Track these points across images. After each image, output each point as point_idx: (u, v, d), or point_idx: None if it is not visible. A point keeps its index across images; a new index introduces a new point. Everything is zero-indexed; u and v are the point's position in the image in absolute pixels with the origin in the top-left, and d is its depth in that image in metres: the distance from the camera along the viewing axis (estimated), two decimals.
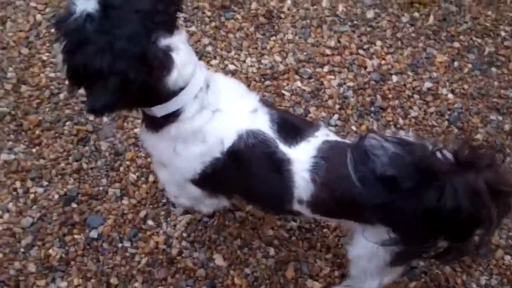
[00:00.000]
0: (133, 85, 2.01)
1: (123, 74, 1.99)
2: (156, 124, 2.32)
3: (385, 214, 2.13)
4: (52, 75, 3.37)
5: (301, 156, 2.27)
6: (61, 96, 3.33)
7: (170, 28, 2.13)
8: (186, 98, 2.20)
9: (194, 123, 2.25)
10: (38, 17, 3.54)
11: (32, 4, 3.58)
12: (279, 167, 2.28)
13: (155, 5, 2.09)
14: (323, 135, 2.36)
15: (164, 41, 2.09)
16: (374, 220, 2.23)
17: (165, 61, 2.10)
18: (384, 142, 2.07)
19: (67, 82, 2.24)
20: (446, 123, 3.42)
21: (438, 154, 2.04)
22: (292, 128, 2.35)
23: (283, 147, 2.28)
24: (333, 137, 2.41)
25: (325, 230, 3.09)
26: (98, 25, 2.00)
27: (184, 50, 2.16)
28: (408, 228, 2.13)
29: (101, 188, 3.13)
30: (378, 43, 3.61)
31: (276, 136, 2.29)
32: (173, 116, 2.23)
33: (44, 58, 3.42)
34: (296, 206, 2.36)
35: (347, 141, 2.38)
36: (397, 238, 2.17)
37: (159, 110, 2.22)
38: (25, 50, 3.44)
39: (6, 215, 3.05)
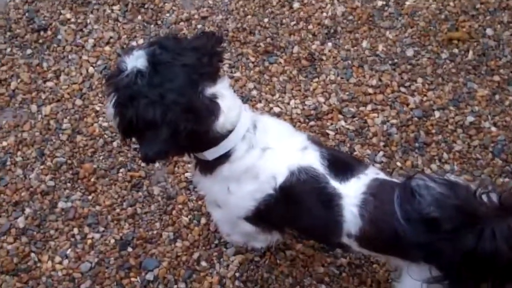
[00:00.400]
0: (183, 133, 2.13)
1: (173, 124, 2.11)
2: (209, 167, 2.42)
3: (427, 253, 2.16)
4: (105, 124, 3.45)
5: (351, 192, 2.33)
6: (115, 144, 3.41)
7: (214, 77, 2.27)
8: (235, 139, 2.31)
9: (245, 161, 2.35)
10: (91, 69, 3.65)
11: (84, 57, 3.69)
12: (330, 202, 2.34)
13: (200, 59, 2.24)
14: (373, 173, 2.42)
15: (209, 90, 2.22)
16: (417, 258, 2.25)
17: (211, 108, 2.22)
18: (430, 182, 2.09)
19: (116, 134, 2.33)
20: (490, 155, 3.40)
21: (484, 197, 2.06)
22: (342, 165, 2.42)
23: (333, 183, 2.34)
24: (382, 175, 2.46)
25: (374, 265, 3.09)
26: (149, 80, 2.13)
27: (228, 95, 2.28)
28: (450, 268, 2.15)
29: (155, 232, 3.19)
30: (419, 80, 3.62)
31: (327, 172, 2.37)
32: (224, 158, 2.34)
33: (97, 108, 3.51)
34: (345, 240, 2.41)
35: (396, 180, 2.42)
36: (440, 276, 2.19)
37: (210, 154, 2.33)
38: (79, 102, 3.54)
39: (65, 261, 3.12)
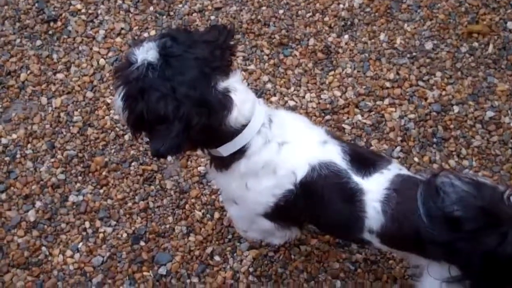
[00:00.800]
0: (195, 128, 2.23)
1: (186, 118, 2.21)
2: (224, 163, 2.53)
3: (447, 252, 2.26)
4: (117, 117, 3.62)
5: (373, 187, 2.44)
6: (126, 137, 3.59)
7: (227, 71, 2.37)
8: (250, 134, 2.40)
9: (262, 156, 2.45)
10: (101, 61, 3.84)
11: (95, 48, 3.88)
12: (352, 197, 2.45)
13: (212, 52, 2.34)
14: (396, 168, 2.53)
15: (222, 84, 2.32)
16: (438, 256, 2.36)
17: (224, 102, 2.31)
18: (456, 180, 2.19)
19: (126, 127, 2.43)
20: (509, 151, 3.54)
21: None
22: (364, 160, 2.53)
23: (355, 178, 2.45)
24: (405, 171, 2.58)
25: (391, 261, 3.25)
26: (160, 73, 2.22)
27: (241, 89, 2.38)
28: (470, 268, 2.25)
29: (167, 226, 3.37)
30: (438, 74, 3.78)
31: (349, 167, 2.47)
32: (239, 153, 2.44)
33: (109, 101, 3.69)
34: (366, 236, 2.52)
35: (419, 176, 2.52)
36: (460, 276, 2.31)
37: (225, 150, 2.44)
38: (89, 94, 3.73)
39: (77, 255, 3.31)
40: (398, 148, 3.55)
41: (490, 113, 3.66)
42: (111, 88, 3.71)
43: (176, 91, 2.20)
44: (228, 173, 2.55)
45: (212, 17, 3.99)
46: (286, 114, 2.65)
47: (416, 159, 3.52)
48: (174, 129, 2.20)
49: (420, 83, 3.77)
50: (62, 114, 3.68)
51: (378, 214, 2.42)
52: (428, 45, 3.89)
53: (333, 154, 2.51)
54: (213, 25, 2.74)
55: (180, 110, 2.19)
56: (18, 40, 3.93)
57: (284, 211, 2.60)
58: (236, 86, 2.35)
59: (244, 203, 2.68)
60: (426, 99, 3.71)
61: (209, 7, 4.02)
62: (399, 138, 3.59)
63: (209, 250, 3.31)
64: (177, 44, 2.28)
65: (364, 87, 3.74)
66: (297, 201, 2.52)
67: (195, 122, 2.22)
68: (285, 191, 2.51)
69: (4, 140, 3.61)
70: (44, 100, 3.72)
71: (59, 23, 3.98)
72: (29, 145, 3.59)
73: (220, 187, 2.87)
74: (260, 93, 3.69)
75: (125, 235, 3.35)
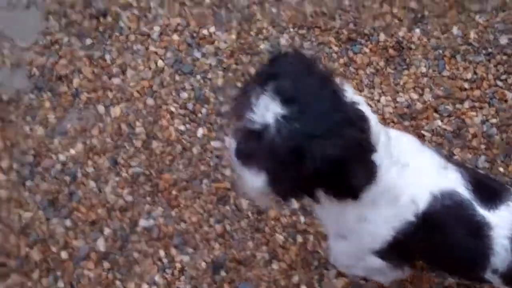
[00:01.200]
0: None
1: (356, 147, 1.91)
2: None
3: None
4: (182, 127, 3.29)
5: (501, 222, 2.19)
6: (194, 150, 3.24)
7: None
8: (382, 153, 2.06)
9: (385, 182, 2.10)
10: (160, 63, 3.45)
11: (152, 48, 3.49)
12: (478, 232, 2.19)
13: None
14: None
15: (348, 97, 1.96)
16: None
17: (360, 115, 1.97)
18: None
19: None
20: None
21: None
22: (487, 189, 2.27)
23: (481, 210, 2.19)
24: None
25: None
26: (300, 121, 1.84)
27: (362, 102, 2.04)
28: None
29: (248, 252, 3.07)
30: None
31: (472, 197, 2.20)
32: None
33: (172, 109, 3.33)
34: (488, 275, 2.27)
35: None
36: None
37: None
38: (150, 101, 3.36)
39: None
40: (483, 158, 3.26)
41: None
42: (174, 94, 3.36)
43: (333, 128, 1.86)
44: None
45: (273, 10, 3.60)
46: (396, 132, 2.33)
47: (501, 169, 3.24)
48: (355, 172, 1.93)
49: (499, 83, 3.46)
50: (122, 125, 3.30)
51: (506, 252, 2.18)
52: (503, 40, 3.56)
53: (455, 182, 2.23)
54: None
55: (350, 144, 1.88)
56: (66, 39, 3.51)
57: (401, 246, 2.29)
58: (357, 98, 2.01)
59: (357, 237, 2.33)
60: (506, 101, 3.41)
61: None
62: (482, 146, 3.29)
63: (295, 279, 3.02)
64: (292, 80, 1.90)
65: (441, 88, 3.42)
66: (417, 236, 2.23)
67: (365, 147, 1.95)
68: (404, 223, 2.20)
69: (61, 157, 3.24)
70: (101, 108, 3.34)
71: (109, 19, 3.56)
72: (89, 162, 3.22)
73: (326, 218, 2.44)
74: None
75: (204, 264, 3.05)
